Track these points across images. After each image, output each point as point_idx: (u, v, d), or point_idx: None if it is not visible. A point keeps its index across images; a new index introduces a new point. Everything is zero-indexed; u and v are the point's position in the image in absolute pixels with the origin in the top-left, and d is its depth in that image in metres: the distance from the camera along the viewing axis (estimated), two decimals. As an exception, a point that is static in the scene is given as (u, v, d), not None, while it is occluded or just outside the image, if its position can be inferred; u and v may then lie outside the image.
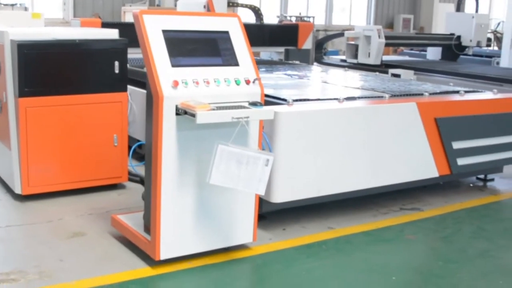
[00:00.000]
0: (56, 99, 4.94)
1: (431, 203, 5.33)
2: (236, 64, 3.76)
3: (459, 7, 12.00)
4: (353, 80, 6.46)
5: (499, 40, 14.87)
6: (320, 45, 11.21)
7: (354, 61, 9.99)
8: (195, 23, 3.74)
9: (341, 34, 10.63)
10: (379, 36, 9.64)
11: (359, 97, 4.95)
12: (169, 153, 3.57)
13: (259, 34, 8.16)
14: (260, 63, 7.66)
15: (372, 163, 4.68)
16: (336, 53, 14.51)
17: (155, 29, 3.58)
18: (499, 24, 16.06)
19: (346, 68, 7.70)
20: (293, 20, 12.98)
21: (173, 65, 3.55)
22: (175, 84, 3.49)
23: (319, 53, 11.05)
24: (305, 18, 13.01)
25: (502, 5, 22.16)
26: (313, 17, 13.56)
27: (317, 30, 15.39)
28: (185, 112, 3.42)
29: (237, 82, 3.69)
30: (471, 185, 5.95)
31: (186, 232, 3.78)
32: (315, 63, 10.25)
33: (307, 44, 8.49)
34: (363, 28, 9.94)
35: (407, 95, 5.27)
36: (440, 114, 5.04)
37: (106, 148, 5.24)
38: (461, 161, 5.25)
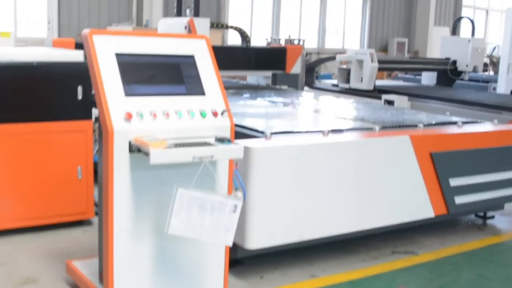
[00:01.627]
0: (11, 127, 4.47)
1: (426, 245, 4.82)
2: (202, 93, 3.27)
3: (455, 31, 11.62)
4: (342, 109, 5.99)
5: (495, 65, 14.52)
6: (311, 69, 10.76)
7: (346, 86, 9.54)
8: (155, 46, 3.26)
9: (332, 58, 10.19)
10: (372, 60, 9.19)
11: (346, 129, 4.46)
12: (121, 196, 3.07)
13: (245, 58, 7.71)
14: (244, 88, 7.20)
15: (360, 203, 4.18)
16: (329, 76, 14.08)
17: (107, 52, 3.10)
18: (494, 48, 15.73)
19: (337, 95, 7.23)
20: (283, 43, 12.55)
21: (127, 94, 3.07)
22: (129, 116, 3.00)
23: (310, 77, 10.59)
24: (295, 41, 12.57)
25: (497, 29, 21.93)
26: (303, 40, 13.12)
27: (310, 53, 15.01)
28: (139, 150, 2.92)
29: (203, 114, 3.20)
30: (470, 223, 5.45)
31: (144, 285, 3.26)
32: (306, 88, 9.80)
33: (296, 68, 8.02)
34: (355, 51, 9.49)
35: (399, 126, 4.79)
36: (435, 148, 4.55)
37: (69, 181, 4.75)
38: (460, 200, 4.75)
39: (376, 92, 9.09)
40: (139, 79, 3.14)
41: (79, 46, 6.39)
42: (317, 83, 10.78)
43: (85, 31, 3.14)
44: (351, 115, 5.29)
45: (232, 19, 15.48)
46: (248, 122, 4.35)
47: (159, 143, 2.83)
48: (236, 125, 4.27)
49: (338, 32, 18.67)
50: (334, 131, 4.31)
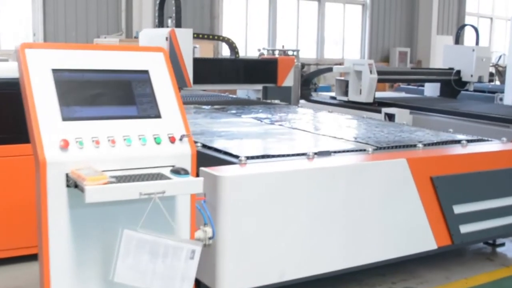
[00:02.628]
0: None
1: (429, 279, 4.28)
2: (157, 116, 2.77)
3: (458, 39, 11.11)
4: (334, 126, 5.47)
5: (501, 74, 14.02)
6: (307, 81, 10.27)
7: (344, 98, 9.03)
8: (101, 60, 2.77)
9: (329, 69, 9.70)
10: (370, 72, 8.69)
11: (335, 152, 3.94)
12: (59, 238, 2.57)
13: (233, 70, 7.21)
14: (232, 103, 6.70)
15: (351, 237, 3.66)
16: (328, 88, 13.58)
17: (43, 68, 2.62)
18: (500, 57, 15.23)
19: (332, 109, 6.70)
20: (277, 54, 12.06)
21: (65, 118, 2.57)
22: (65, 144, 2.51)
23: (307, 90, 10.10)
24: (289, 52, 12.05)
25: (502, 38, 21.42)
26: (298, 51, 12.57)
27: (308, 64, 14.53)
28: (76, 185, 2.42)
29: (157, 140, 2.70)
30: (477, 253, 4.91)
31: None
32: (302, 101, 9.31)
33: (288, 80, 7.52)
34: (353, 62, 8.99)
35: (396, 147, 4.27)
36: (437, 171, 4.03)
37: (29, 210, 4.26)
38: (465, 228, 4.22)
39: (376, 105, 8.60)
40: (80, 99, 2.64)
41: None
42: (314, 96, 10.28)
43: (17, 44, 2.66)
44: (343, 133, 4.78)
45: (226, 30, 15.03)
46: (222, 145, 3.83)
47: (98, 177, 2.33)
48: (209, 148, 3.78)
49: (337, 43, 18.20)
50: (321, 153, 3.80)
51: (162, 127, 2.74)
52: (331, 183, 3.55)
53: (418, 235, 3.99)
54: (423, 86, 11.35)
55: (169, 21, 6.62)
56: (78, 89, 2.65)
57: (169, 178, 2.53)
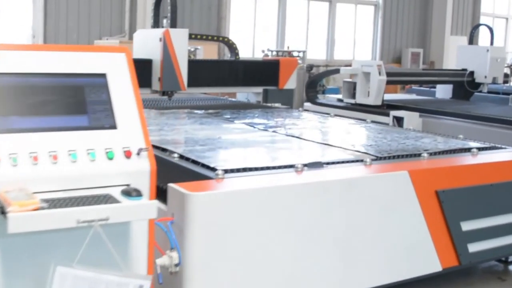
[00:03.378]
0: None
1: (434, 303, 3.88)
2: (112, 126, 2.40)
3: (472, 40, 10.65)
4: (333, 133, 5.07)
5: (516, 75, 13.52)
6: (314, 83, 9.85)
7: (352, 101, 8.64)
8: (51, 63, 2.40)
9: (336, 71, 9.29)
10: (379, 73, 8.29)
11: (328, 163, 3.54)
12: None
13: (231, 72, 6.83)
14: (228, 107, 6.32)
15: (345, 260, 3.26)
16: (337, 90, 13.15)
17: (-25, 72, 2.25)
18: (516, 57, 14.71)
19: (333, 114, 6.29)
20: (281, 55, 11.66)
21: (-1, 130, 2.21)
22: (-4, 161, 2.14)
23: (313, 92, 9.71)
24: (295, 53, 11.62)
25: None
26: (304, 52, 12.10)
27: (317, 66, 14.10)
28: (3, 211, 2.05)
29: (109, 155, 2.32)
30: (487, 271, 4.49)
31: None
32: (307, 104, 8.92)
33: (291, 83, 7.12)
34: (361, 63, 8.59)
35: (398, 156, 3.86)
36: (443, 184, 3.62)
37: None
38: (474, 247, 3.81)
39: (384, 108, 8.21)
40: (20, 108, 2.28)
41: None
42: (321, 99, 9.90)
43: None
44: (341, 141, 4.37)
45: (233, 31, 14.65)
46: (201, 155, 3.44)
47: (26, 202, 1.96)
48: (186, 159, 3.41)
49: (348, 43, 17.74)
50: (311, 165, 3.40)
51: (117, 140, 2.37)
52: (321, 199, 3.15)
53: (420, 256, 3.58)
54: (435, 87, 10.93)
55: (164, 21, 6.24)
56: (19, 96, 2.29)
57: (117, 201, 2.15)
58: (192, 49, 9.93)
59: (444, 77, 9.99)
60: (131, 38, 12.59)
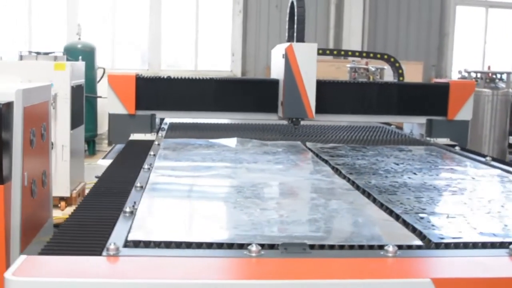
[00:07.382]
0: None
1: None
2: None
3: None
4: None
5: None
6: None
7: None
8: None
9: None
10: None
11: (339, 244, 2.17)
12: None
13: (381, 97, 5.47)
14: (350, 141, 5.05)
15: None
16: None
17: None
18: None
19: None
20: (479, 77, 9.53)
21: None
22: None
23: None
24: (497, 75, 9.38)
25: None
26: (509, 73, 9.50)
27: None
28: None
29: None
30: None
31: None
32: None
33: (465, 113, 5.48)
34: None
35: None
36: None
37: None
38: None
39: None
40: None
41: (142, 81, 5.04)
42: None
43: None
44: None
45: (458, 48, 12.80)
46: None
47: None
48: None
49: None
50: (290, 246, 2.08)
51: None
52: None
53: None
54: None
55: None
56: None
57: None
58: (373, 69, 8.61)
59: None
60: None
